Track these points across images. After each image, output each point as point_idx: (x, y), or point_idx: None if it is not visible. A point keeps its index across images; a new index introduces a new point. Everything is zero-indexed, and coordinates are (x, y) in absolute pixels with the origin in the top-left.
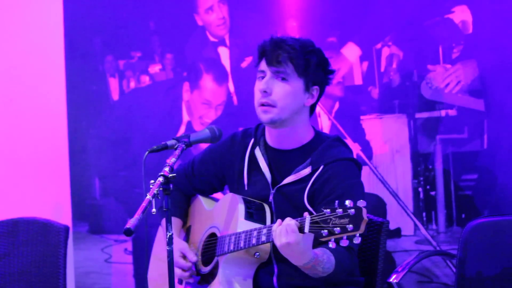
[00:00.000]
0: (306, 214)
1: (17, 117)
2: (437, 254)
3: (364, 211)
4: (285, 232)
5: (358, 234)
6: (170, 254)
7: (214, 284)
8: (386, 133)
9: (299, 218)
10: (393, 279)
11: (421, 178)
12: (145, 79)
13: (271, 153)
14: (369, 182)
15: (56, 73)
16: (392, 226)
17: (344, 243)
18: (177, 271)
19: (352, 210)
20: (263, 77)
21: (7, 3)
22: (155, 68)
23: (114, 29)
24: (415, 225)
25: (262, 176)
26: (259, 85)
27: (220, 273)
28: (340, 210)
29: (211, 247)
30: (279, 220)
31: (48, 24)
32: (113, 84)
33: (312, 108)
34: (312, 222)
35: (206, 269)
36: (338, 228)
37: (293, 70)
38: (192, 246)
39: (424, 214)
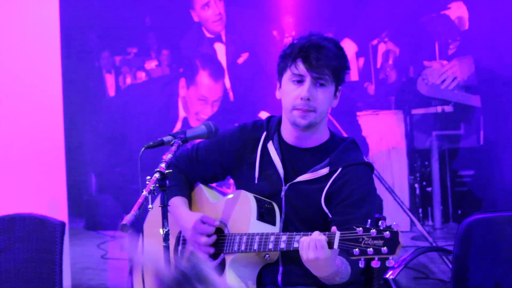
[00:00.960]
0: (334, 229)
1: (13, 113)
2: (433, 250)
3: (401, 235)
4: (314, 247)
5: (391, 257)
6: (166, 250)
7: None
8: (382, 129)
9: (327, 233)
10: (389, 275)
11: (417, 174)
12: (141, 75)
13: (286, 149)
14: None
15: (52, 69)
16: (388, 222)
17: (376, 264)
18: (201, 239)
19: (387, 233)
20: (299, 81)
21: (2, 0)
22: (151, 64)
23: (110, 25)
24: (411, 221)
25: (274, 171)
26: (298, 91)
27: (227, 271)
28: (374, 231)
29: (217, 242)
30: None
31: (44, 20)
32: (109, 80)
33: None
34: (342, 240)
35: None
36: (371, 250)
37: (330, 75)
38: None
39: (420, 210)
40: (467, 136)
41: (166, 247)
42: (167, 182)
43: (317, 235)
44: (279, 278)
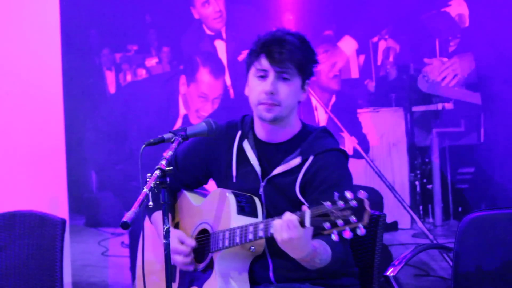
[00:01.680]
0: (304, 208)
1: (14, 111)
2: (434, 248)
3: (367, 202)
4: (286, 228)
5: (361, 225)
6: (167, 247)
7: (211, 281)
8: (382, 127)
9: (299, 212)
10: (390, 272)
11: (418, 172)
12: (142, 72)
13: (260, 146)
14: (365, 175)
15: (52, 66)
16: (389, 220)
17: (348, 235)
18: (178, 258)
19: (354, 202)
20: (263, 76)
21: None
22: (151, 61)
23: (110, 22)
24: (412, 218)
25: (251, 168)
26: (262, 86)
27: (216, 269)
28: (341, 202)
29: (203, 244)
30: (278, 219)
31: (45, 17)
32: (110, 77)
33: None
34: (313, 216)
35: (200, 266)
36: (340, 221)
37: (294, 69)
38: None
39: (421, 207)
40: (468, 133)
41: (167, 245)
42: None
43: (288, 216)
44: (271, 274)
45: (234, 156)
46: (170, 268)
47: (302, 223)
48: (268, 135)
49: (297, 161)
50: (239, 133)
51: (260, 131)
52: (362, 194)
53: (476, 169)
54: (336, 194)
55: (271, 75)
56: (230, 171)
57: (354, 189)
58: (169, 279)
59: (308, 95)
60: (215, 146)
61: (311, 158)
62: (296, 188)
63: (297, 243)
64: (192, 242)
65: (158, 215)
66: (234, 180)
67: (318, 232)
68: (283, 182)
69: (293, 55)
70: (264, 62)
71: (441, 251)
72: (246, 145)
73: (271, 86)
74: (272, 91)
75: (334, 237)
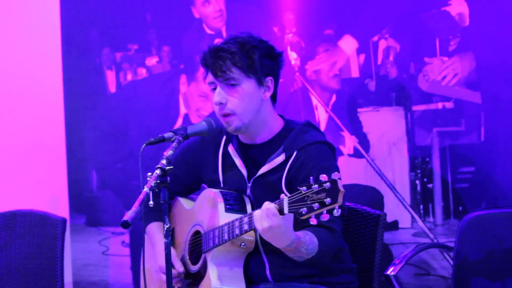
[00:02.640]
0: (282, 196)
1: (14, 110)
2: (435, 247)
3: (339, 182)
4: (265, 216)
5: (337, 207)
6: (167, 246)
7: (205, 281)
8: (383, 126)
9: (277, 201)
10: (390, 271)
11: (418, 171)
12: (142, 72)
13: (244, 149)
14: (366, 174)
15: (53, 65)
16: (389, 219)
17: (325, 217)
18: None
19: (328, 184)
20: (214, 89)
21: None
22: (152, 61)
23: (111, 21)
24: (412, 217)
25: (237, 171)
26: (213, 98)
27: (209, 268)
28: (316, 185)
29: (197, 245)
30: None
31: (45, 16)
32: (110, 76)
33: (274, 97)
34: (290, 202)
35: (195, 268)
36: (316, 204)
37: (239, 73)
38: (178, 248)
39: (421, 206)
40: (468, 132)
41: (168, 244)
42: (168, 178)
43: (267, 205)
44: (268, 273)
45: (219, 161)
46: (170, 269)
47: (281, 211)
48: (249, 138)
49: (281, 158)
50: (224, 138)
51: (241, 136)
52: (335, 175)
53: (476, 168)
54: (311, 178)
55: (218, 86)
56: (217, 176)
57: (350, 189)
58: (169, 280)
59: (273, 89)
60: (202, 153)
61: (294, 154)
62: (283, 185)
63: (277, 231)
64: (180, 268)
65: (152, 226)
66: (222, 185)
67: (302, 221)
68: (269, 180)
69: (232, 61)
70: (209, 76)
71: (441, 250)
72: (231, 149)
73: (217, 96)
74: (220, 101)
75: (312, 222)
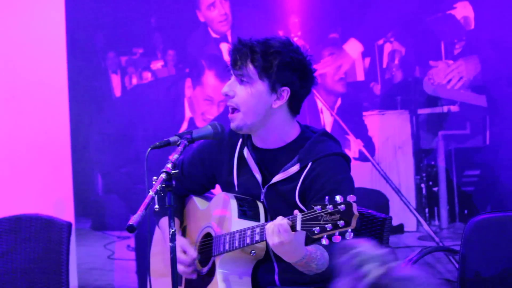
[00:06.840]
0: (296, 212)
1: (19, 114)
2: (440, 250)
3: (355, 206)
4: (277, 232)
5: (350, 230)
6: (173, 250)
7: (213, 284)
8: (388, 129)
9: (291, 217)
10: None
11: (424, 174)
12: (147, 76)
13: (258, 153)
14: (371, 178)
15: (58, 69)
16: (394, 222)
17: (337, 239)
18: (180, 267)
19: (343, 206)
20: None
21: (9, 0)
22: (157, 65)
23: (116, 25)
24: (418, 221)
25: (251, 176)
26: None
27: (217, 273)
28: (331, 206)
29: (207, 247)
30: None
31: (50, 20)
32: (115, 80)
33: (294, 109)
34: (304, 220)
35: (204, 270)
36: (329, 225)
37: (254, 73)
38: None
39: (426, 210)
40: (473, 136)
41: (173, 248)
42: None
43: (279, 220)
44: (276, 278)
45: (235, 164)
46: (176, 271)
47: (293, 228)
48: (262, 143)
49: (295, 168)
50: (240, 140)
51: (253, 137)
52: (351, 198)
53: (481, 172)
54: (326, 198)
55: (232, 77)
56: (231, 179)
57: (355, 193)
58: (175, 282)
59: (286, 101)
60: (218, 154)
61: (309, 165)
62: (296, 195)
63: (288, 247)
64: (194, 253)
65: (164, 220)
66: (236, 188)
67: (313, 238)
68: (283, 189)
69: (250, 58)
70: (230, 65)
71: (447, 254)
72: (246, 153)
73: (226, 87)
74: (227, 93)
75: (324, 241)
